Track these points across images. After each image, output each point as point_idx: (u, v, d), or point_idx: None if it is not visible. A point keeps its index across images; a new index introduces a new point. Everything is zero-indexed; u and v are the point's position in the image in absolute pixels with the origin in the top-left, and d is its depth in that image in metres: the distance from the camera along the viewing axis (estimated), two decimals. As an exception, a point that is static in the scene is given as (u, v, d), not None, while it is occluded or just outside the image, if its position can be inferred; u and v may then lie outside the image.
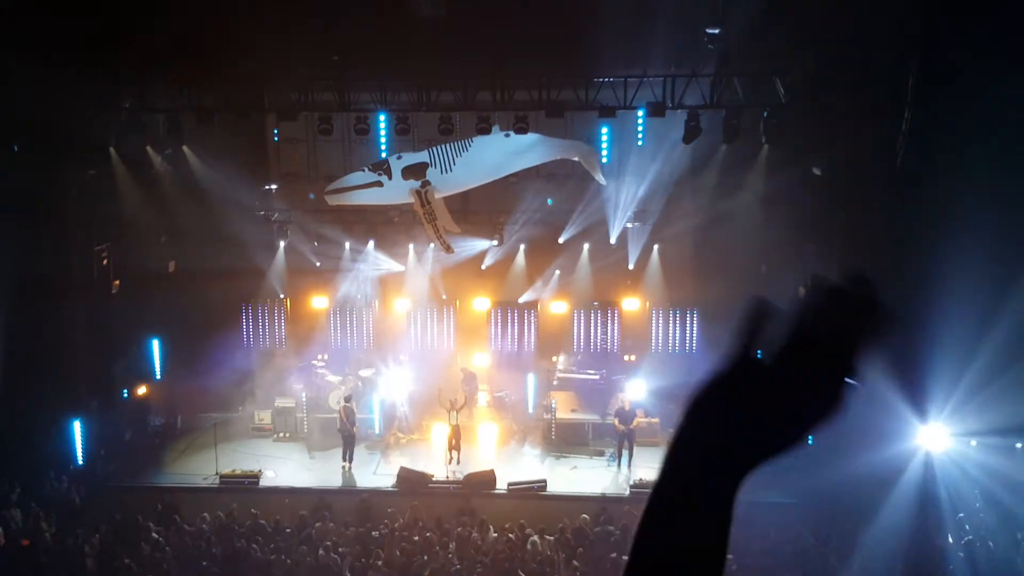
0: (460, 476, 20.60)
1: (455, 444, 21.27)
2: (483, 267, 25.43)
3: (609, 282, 25.49)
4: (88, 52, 19.52)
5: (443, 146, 21.01)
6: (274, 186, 25.43)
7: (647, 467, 20.96)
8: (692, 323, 25.20)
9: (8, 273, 19.76)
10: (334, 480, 21.04)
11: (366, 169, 21.13)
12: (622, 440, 21.25)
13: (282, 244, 25.75)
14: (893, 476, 18.18)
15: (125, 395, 22.81)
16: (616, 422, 21.36)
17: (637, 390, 22.81)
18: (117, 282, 22.58)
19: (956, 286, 17.23)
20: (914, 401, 17.99)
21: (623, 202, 23.70)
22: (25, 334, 20.09)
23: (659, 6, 17.74)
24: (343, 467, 21.50)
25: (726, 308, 23.05)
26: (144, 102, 20.68)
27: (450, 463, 21.16)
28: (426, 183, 20.96)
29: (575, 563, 16.84)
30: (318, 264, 25.96)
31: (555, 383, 24.52)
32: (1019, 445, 18.41)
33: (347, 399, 21.95)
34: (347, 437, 21.59)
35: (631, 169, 23.12)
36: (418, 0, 18.66)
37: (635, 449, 21.25)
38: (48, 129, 19.41)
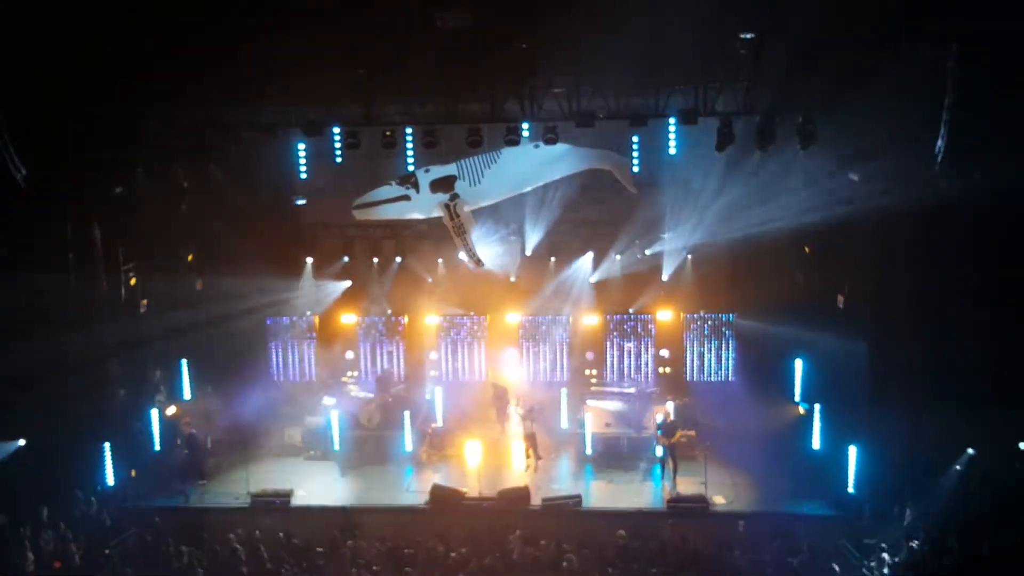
0: (494, 492, 20.31)
1: (534, 451, 21.66)
2: (512, 279, 25.18)
3: (642, 293, 25.26)
4: (115, 70, 19.44)
5: (471, 158, 20.77)
6: (301, 201, 25.29)
7: (685, 480, 20.66)
8: (728, 330, 25.21)
9: (36, 293, 19.69)
10: (366, 498, 20.76)
11: (394, 183, 20.93)
12: (666, 453, 20.94)
13: (309, 261, 25.60)
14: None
15: (155, 415, 22.59)
16: (659, 435, 21.04)
17: (674, 404, 22.57)
18: (145, 302, 22.44)
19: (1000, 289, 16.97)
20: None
21: (656, 212, 23.43)
22: (53, 355, 19.98)
23: (690, 12, 17.41)
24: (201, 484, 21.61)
25: (762, 317, 22.97)
26: (170, 120, 20.53)
27: (527, 469, 21.50)
28: (455, 196, 20.73)
29: (613, 580, 16.48)
30: (348, 282, 25.81)
31: (588, 397, 24.18)
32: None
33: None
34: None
35: (664, 178, 22.83)
36: (444, 13, 18.40)
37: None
38: (75, 148, 19.31)
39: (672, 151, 20.48)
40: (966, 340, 17.24)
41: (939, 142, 16.83)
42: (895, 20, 15.79)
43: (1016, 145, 15.85)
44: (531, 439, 21.84)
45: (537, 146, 20.41)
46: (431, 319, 26.12)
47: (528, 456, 21.70)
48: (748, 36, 17.51)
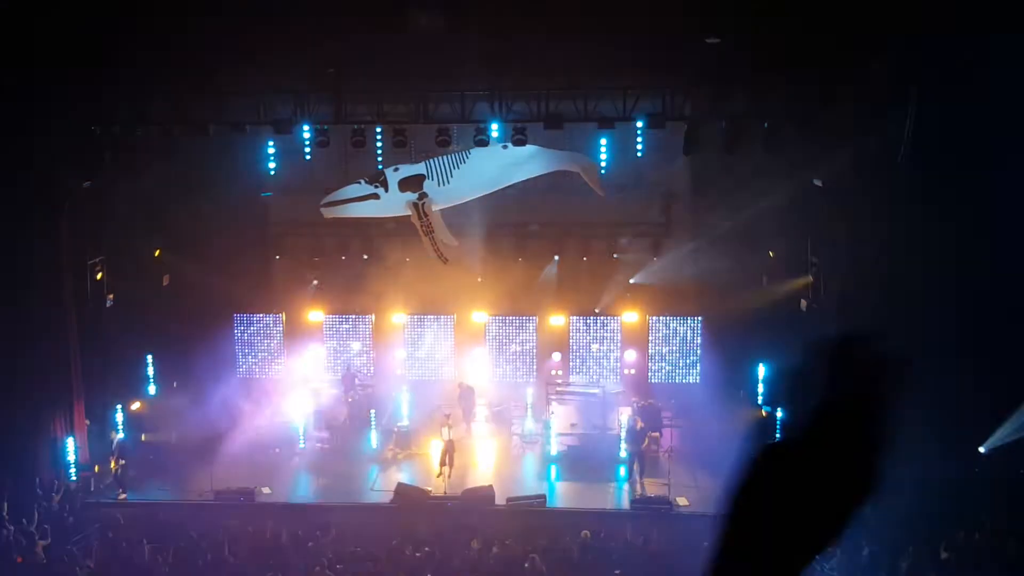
0: (459, 491, 20.36)
1: (448, 460, 20.99)
2: (479, 279, 25.21)
3: (609, 295, 25.41)
4: (83, 65, 19.34)
5: (441, 158, 20.82)
6: (267, 193, 25.25)
7: (649, 482, 20.78)
8: (693, 333, 25.26)
9: (1, 287, 19.55)
10: (331, 496, 20.76)
11: (363, 181, 20.94)
12: (633, 458, 21.07)
13: (277, 258, 25.57)
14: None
15: (119, 410, 22.47)
16: (626, 444, 21.21)
17: (639, 405, 22.69)
18: (111, 296, 22.33)
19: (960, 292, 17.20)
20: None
21: (622, 213, 23.55)
22: (18, 349, 19.85)
23: (658, 17, 17.54)
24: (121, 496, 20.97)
25: (728, 320, 23.15)
26: (138, 115, 20.43)
27: (439, 476, 20.88)
28: (423, 195, 20.78)
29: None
30: (315, 282, 25.82)
31: (554, 397, 24.28)
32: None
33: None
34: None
35: (632, 181, 22.96)
36: (416, 13, 18.44)
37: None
38: (42, 142, 19.19)
39: (639, 154, 20.65)
40: (927, 346, 17.45)
41: (902, 145, 17.13)
42: (859, 33, 16.10)
43: (977, 149, 16.21)
44: (448, 447, 21.19)
45: (506, 147, 20.48)
46: (398, 318, 26.12)
47: (443, 465, 21.02)
48: (714, 40, 17.70)
